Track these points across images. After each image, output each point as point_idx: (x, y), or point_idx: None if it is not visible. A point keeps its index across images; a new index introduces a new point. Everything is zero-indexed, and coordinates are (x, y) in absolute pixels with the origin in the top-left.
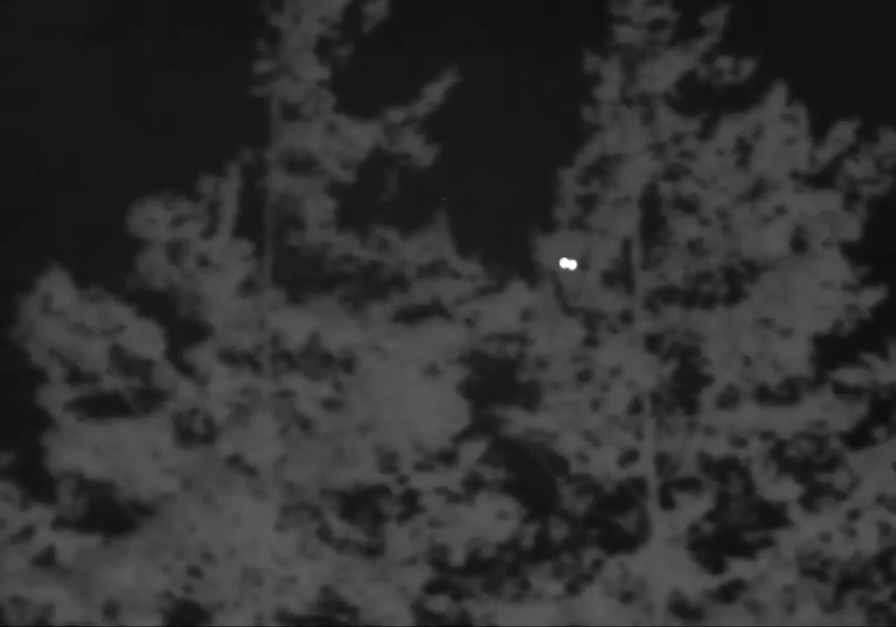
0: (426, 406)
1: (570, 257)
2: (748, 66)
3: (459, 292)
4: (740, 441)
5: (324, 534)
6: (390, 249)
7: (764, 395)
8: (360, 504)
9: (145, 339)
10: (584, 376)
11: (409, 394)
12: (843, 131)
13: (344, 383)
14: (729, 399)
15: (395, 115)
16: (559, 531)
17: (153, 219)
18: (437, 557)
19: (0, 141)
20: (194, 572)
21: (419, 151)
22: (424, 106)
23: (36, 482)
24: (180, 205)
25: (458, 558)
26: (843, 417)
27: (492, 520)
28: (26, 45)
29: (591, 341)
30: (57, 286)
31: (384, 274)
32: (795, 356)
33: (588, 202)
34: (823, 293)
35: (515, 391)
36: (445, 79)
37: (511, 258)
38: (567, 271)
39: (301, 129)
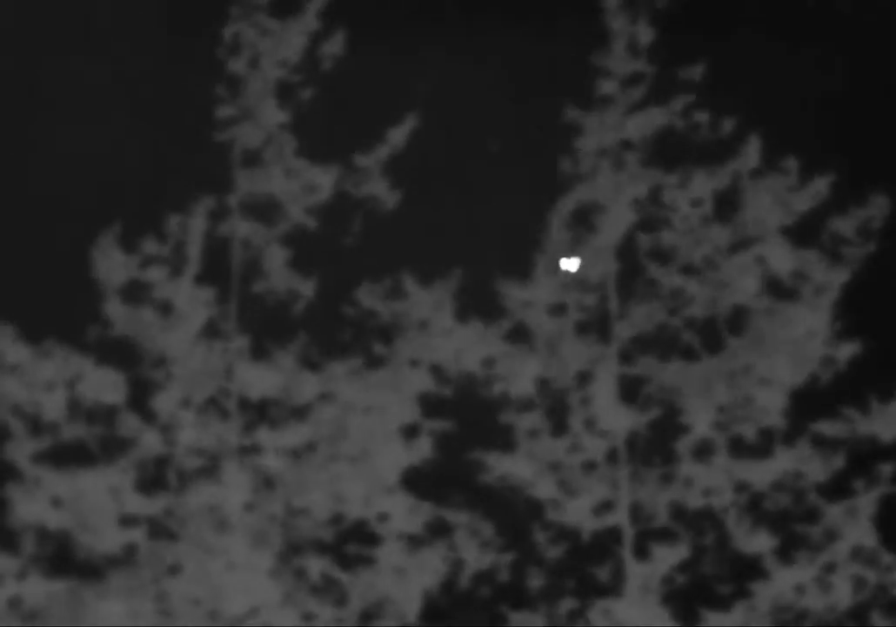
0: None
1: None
2: (727, 124)
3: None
4: (715, 492)
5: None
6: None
7: (740, 446)
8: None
9: (106, 387)
10: (560, 424)
11: (377, 446)
12: (820, 185)
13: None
14: (705, 450)
15: (359, 159)
16: (535, 581)
17: (113, 262)
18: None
19: None
20: (166, 617)
21: (384, 194)
22: (388, 149)
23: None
24: (144, 245)
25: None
26: (820, 469)
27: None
28: None
29: (567, 389)
30: (5, 342)
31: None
32: (773, 407)
33: (565, 249)
34: (803, 344)
35: (491, 436)
36: (408, 122)
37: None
38: (568, 272)
39: (263, 173)
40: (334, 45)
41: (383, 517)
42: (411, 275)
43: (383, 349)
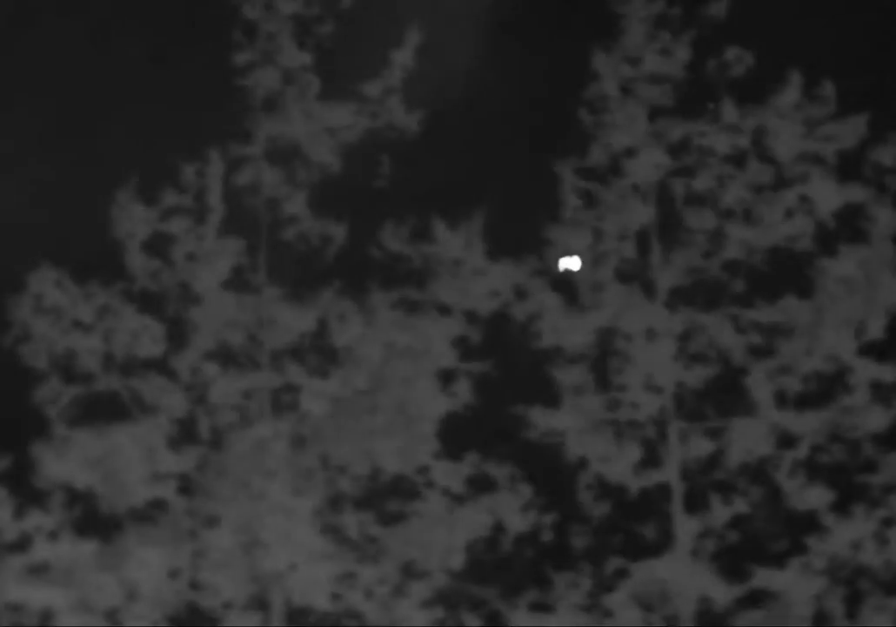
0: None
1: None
2: (751, 58)
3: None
4: (768, 446)
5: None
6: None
7: (790, 398)
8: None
9: (141, 340)
10: (605, 378)
11: (418, 389)
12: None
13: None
14: (755, 402)
15: (371, 88)
16: (580, 539)
17: (135, 214)
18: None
19: None
20: (201, 573)
21: (404, 120)
22: (398, 72)
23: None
24: (166, 197)
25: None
26: (877, 418)
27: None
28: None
29: (612, 342)
30: (48, 284)
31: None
32: (826, 355)
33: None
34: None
35: (535, 391)
36: (410, 40)
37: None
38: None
39: (283, 117)
40: None
41: (423, 470)
42: (440, 216)
43: (417, 293)
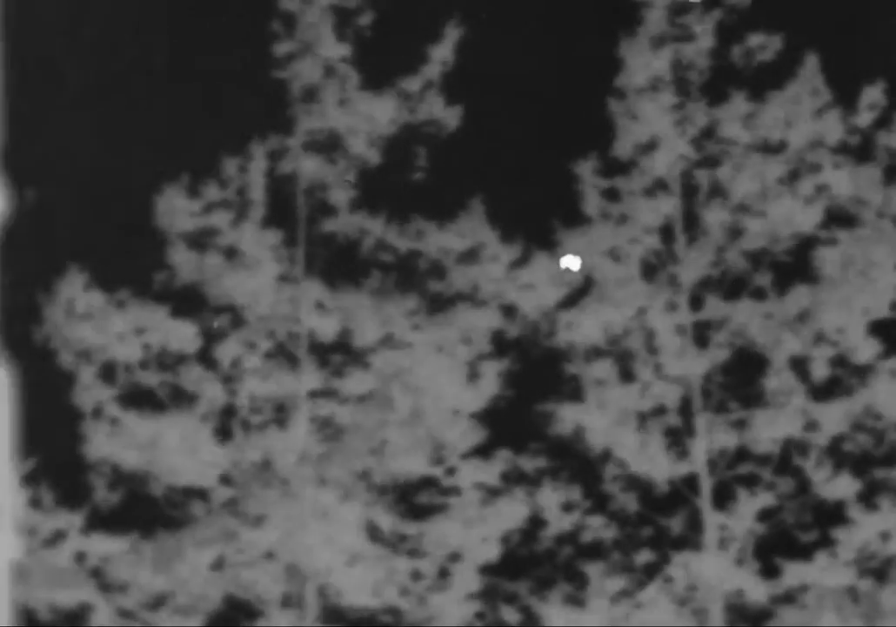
0: (465, 395)
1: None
2: (774, 44)
3: (495, 276)
4: (794, 436)
5: (371, 531)
6: (427, 238)
7: (816, 387)
8: (404, 499)
9: (178, 337)
10: (630, 371)
11: (448, 386)
12: (873, 96)
13: (381, 376)
14: (780, 392)
15: (411, 82)
16: (609, 531)
17: (178, 209)
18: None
19: (17, 135)
20: (239, 570)
21: (443, 114)
22: (437, 66)
23: (66, 487)
24: (207, 191)
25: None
26: None
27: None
28: (44, 34)
29: (637, 335)
30: (79, 290)
31: (421, 263)
32: (849, 343)
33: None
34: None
35: (560, 385)
36: (449, 35)
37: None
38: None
39: (323, 109)
40: None
41: (454, 469)
42: (475, 211)
43: (447, 287)
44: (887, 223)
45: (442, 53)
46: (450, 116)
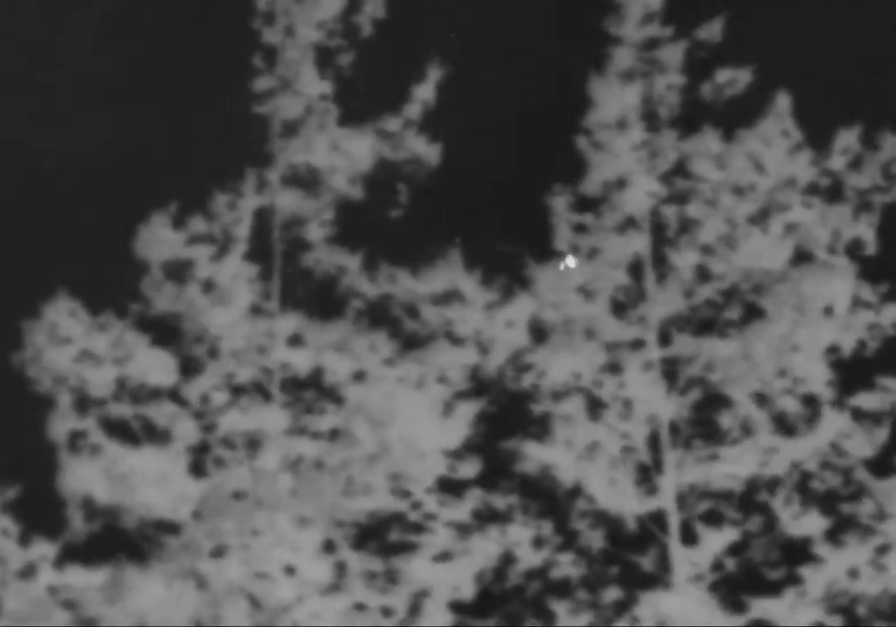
0: (434, 434)
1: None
2: (744, 78)
3: (469, 317)
4: (761, 473)
5: (340, 567)
6: (400, 283)
7: (783, 424)
8: (374, 535)
9: (156, 368)
10: (598, 409)
11: (418, 424)
12: (848, 140)
13: (351, 413)
14: (747, 429)
15: (392, 122)
16: (577, 569)
17: (159, 239)
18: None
19: (5, 162)
20: (211, 603)
21: (424, 151)
22: (418, 106)
23: (37, 517)
24: (192, 224)
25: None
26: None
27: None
28: (29, 70)
29: (605, 371)
30: (63, 315)
31: (393, 303)
32: (814, 379)
33: (585, 228)
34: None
35: (527, 423)
36: (432, 76)
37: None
38: (568, 267)
39: (303, 145)
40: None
41: (426, 503)
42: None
43: (420, 326)
44: (841, 258)
45: (424, 93)
46: (430, 153)
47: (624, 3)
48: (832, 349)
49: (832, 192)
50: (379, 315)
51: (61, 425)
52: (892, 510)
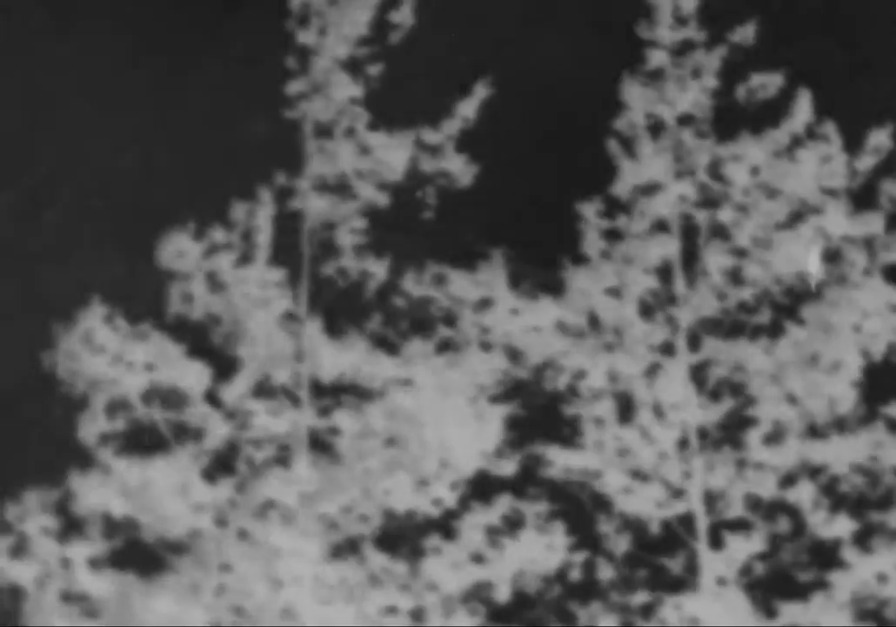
0: (466, 440)
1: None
2: (775, 81)
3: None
4: (790, 478)
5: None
6: (444, 284)
7: (813, 430)
8: (400, 538)
9: (185, 373)
10: (627, 412)
11: (450, 429)
12: (879, 139)
13: (382, 418)
14: (777, 435)
15: (430, 134)
16: (604, 572)
17: (183, 250)
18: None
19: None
20: (234, 610)
21: (458, 169)
22: (458, 122)
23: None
24: (213, 234)
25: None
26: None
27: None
28: (49, 81)
29: (634, 376)
30: (98, 321)
31: (432, 308)
32: (843, 390)
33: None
34: (868, 322)
35: (558, 426)
36: (478, 92)
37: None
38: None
39: (334, 150)
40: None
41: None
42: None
43: (452, 331)
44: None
45: (467, 110)
46: (465, 170)
47: (657, 5)
48: (863, 355)
49: (864, 197)
50: (417, 319)
51: (92, 427)
52: None
